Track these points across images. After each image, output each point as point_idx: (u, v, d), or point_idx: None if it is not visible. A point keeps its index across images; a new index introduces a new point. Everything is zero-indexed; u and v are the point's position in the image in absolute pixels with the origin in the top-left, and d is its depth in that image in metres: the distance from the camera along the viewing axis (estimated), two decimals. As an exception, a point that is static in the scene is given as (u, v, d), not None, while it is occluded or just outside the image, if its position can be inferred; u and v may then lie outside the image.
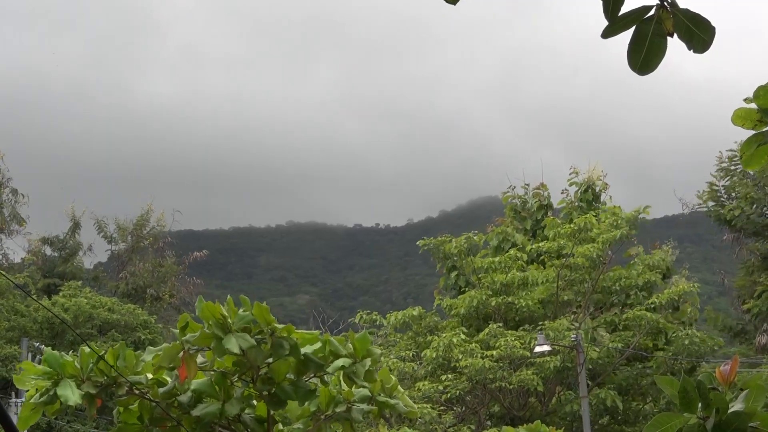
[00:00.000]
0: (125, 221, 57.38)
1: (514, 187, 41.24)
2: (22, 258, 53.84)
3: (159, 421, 5.75)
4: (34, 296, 42.78)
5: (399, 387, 6.25)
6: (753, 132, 4.21)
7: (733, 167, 39.65)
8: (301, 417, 6.01)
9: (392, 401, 6.05)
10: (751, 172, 37.93)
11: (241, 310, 5.49)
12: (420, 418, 30.83)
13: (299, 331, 5.66)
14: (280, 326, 5.53)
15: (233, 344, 5.29)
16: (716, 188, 39.64)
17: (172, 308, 56.98)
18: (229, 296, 5.54)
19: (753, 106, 4.14)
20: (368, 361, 5.78)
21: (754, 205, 38.11)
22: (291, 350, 5.52)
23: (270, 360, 5.58)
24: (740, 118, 4.16)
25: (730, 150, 39.52)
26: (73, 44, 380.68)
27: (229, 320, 5.39)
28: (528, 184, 41.24)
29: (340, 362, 5.69)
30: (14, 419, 4.66)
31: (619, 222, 35.68)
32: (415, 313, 35.81)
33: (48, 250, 54.62)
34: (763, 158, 4.21)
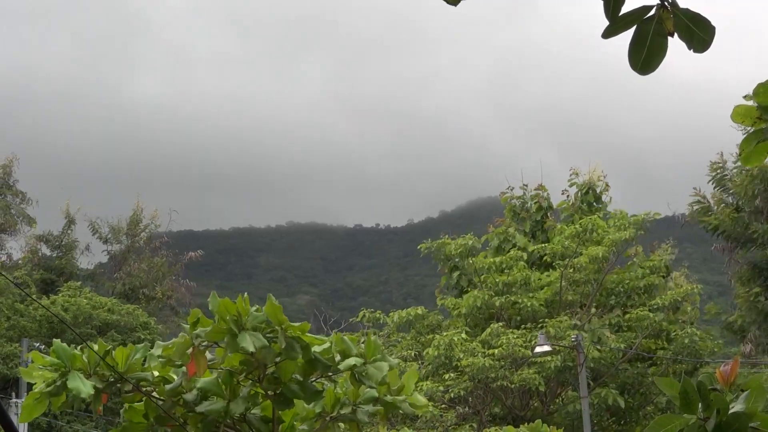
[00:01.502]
0: (118, 221, 57.29)
1: (513, 188, 41.13)
2: (19, 259, 53.77)
3: (164, 420, 5.73)
4: (34, 296, 42.79)
5: (412, 384, 6.19)
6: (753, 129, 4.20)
7: (724, 173, 39.19)
8: (306, 418, 5.99)
9: (399, 401, 6.03)
10: (734, 183, 37.82)
11: (253, 309, 5.48)
12: (421, 416, 30.86)
13: (308, 335, 5.64)
14: (296, 324, 5.52)
15: (248, 342, 5.27)
16: (702, 202, 39.29)
17: (167, 308, 56.90)
18: (245, 293, 5.54)
19: (752, 103, 4.13)
20: (385, 366, 5.76)
21: (739, 213, 37.70)
22: (303, 351, 5.51)
23: (278, 359, 5.57)
24: (740, 115, 4.16)
25: (716, 157, 39.18)
26: (71, 44, 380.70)
27: (243, 317, 5.39)
28: (526, 185, 41.08)
29: (351, 361, 5.65)
30: (14, 419, 4.65)
31: (626, 224, 35.70)
32: (419, 311, 35.99)
33: (45, 249, 54.54)
34: (762, 155, 4.21)
